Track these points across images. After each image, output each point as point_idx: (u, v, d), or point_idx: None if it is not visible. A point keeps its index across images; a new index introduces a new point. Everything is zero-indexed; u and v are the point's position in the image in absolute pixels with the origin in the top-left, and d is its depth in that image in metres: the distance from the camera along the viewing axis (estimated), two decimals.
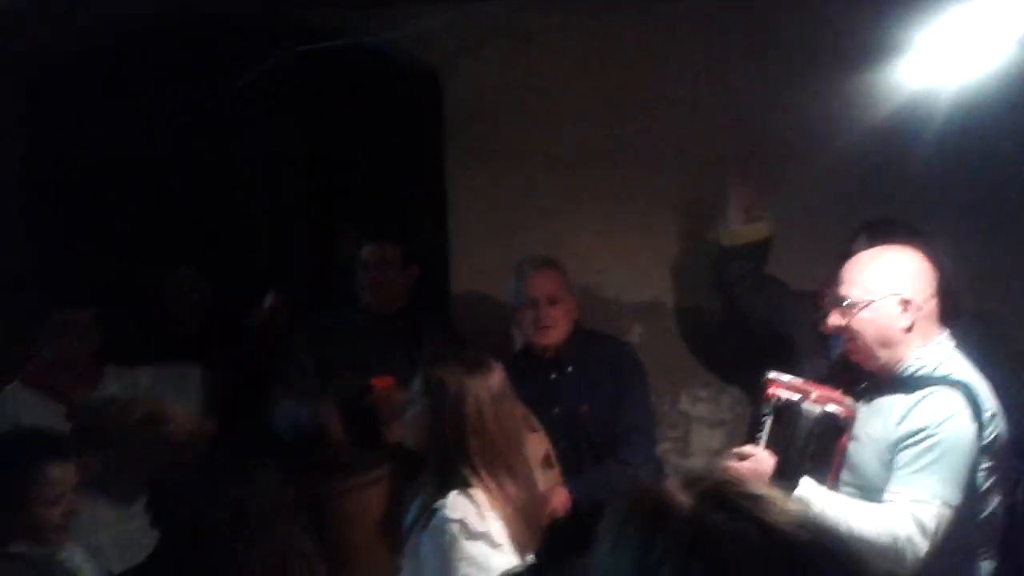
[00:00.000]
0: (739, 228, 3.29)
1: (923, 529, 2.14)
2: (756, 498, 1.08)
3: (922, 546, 2.13)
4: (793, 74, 3.48)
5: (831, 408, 2.33)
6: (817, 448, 2.31)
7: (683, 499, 1.10)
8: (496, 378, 2.37)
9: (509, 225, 3.68)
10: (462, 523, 2.20)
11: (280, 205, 4.50)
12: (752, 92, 3.53)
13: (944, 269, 2.38)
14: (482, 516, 2.22)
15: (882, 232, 2.68)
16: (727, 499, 1.08)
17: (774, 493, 1.11)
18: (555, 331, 3.03)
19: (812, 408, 2.34)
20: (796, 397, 2.37)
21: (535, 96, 3.69)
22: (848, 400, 2.35)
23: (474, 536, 2.19)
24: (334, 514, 3.02)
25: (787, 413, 2.36)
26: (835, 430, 2.31)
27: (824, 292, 2.71)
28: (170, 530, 2.13)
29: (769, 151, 3.52)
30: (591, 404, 2.99)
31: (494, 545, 2.21)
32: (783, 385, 2.40)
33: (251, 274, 4.37)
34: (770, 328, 3.22)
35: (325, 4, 3.69)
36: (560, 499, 2.82)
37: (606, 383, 3.02)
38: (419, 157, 4.03)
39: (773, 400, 2.38)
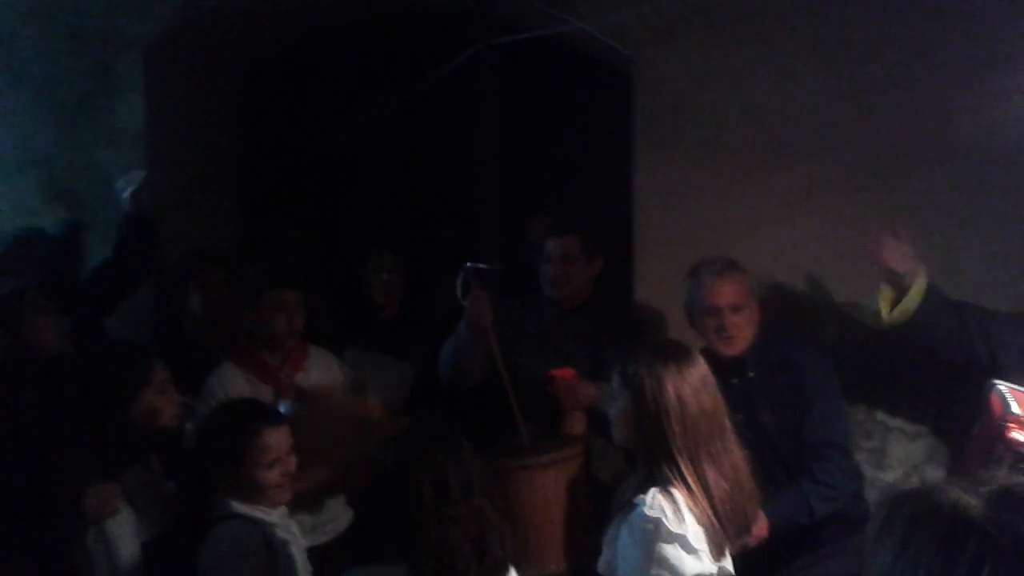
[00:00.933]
0: (895, 316, 2.91)
1: None
2: None
3: None
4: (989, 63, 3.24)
5: None
6: None
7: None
8: (695, 367, 2.30)
9: (696, 219, 3.59)
10: (658, 523, 2.16)
11: (471, 195, 4.62)
12: (943, 83, 3.32)
13: None
14: (680, 518, 2.17)
15: None
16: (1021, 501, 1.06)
17: None
18: (739, 340, 2.91)
19: None
20: None
21: (726, 88, 3.58)
22: None
23: (669, 538, 2.15)
24: (509, 493, 3.03)
25: None
26: None
27: None
28: (374, 504, 2.18)
29: (966, 153, 3.28)
30: (775, 412, 2.85)
31: (689, 550, 2.16)
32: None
33: (444, 260, 4.52)
34: (969, 354, 2.89)
35: None
36: (758, 525, 2.59)
37: (793, 390, 2.87)
38: (609, 149, 4.03)
39: (1015, 448, 2.13)
